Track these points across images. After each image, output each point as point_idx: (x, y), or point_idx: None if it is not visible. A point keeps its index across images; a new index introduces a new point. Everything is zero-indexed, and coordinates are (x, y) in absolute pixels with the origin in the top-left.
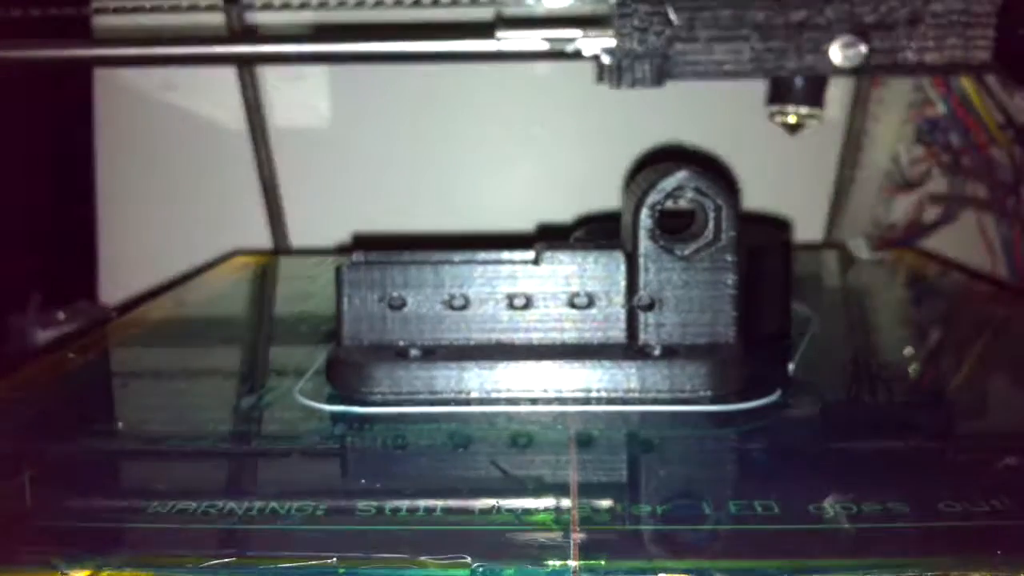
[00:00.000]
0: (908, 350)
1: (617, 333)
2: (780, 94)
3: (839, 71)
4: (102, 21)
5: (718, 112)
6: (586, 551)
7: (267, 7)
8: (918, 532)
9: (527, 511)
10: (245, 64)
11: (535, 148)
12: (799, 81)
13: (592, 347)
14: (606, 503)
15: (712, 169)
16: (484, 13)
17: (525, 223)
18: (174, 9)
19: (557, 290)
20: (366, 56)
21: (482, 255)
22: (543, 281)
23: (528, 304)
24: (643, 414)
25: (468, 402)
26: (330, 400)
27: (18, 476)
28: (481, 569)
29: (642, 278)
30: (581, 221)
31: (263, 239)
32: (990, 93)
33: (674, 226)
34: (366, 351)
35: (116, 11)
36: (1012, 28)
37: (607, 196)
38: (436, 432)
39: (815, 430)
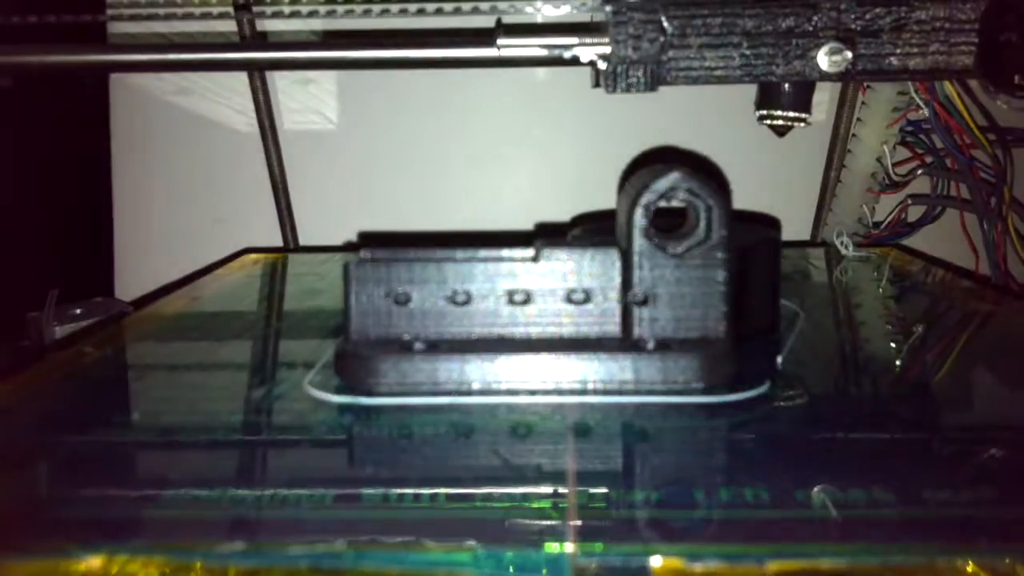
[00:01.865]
0: (893, 344)
1: (612, 328)
2: (769, 98)
3: (826, 76)
4: (117, 27)
5: (709, 116)
6: (583, 536)
7: (277, 15)
8: (904, 519)
9: (526, 497)
10: (256, 69)
11: (534, 150)
12: (787, 86)
13: (588, 341)
14: (602, 490)
15: (704, 170)
16: (485, 21)
17: (524, 222)
18: (187, 16)
19: (555, 286)
20: (372, 62)
21: (483, 253)
22: (542, 278)
23: (527, 300)
24: (637, 405)
25: (470, 393)
26: (338, 392)
27: (36, 466)
28: (482, 553)
29: (636, 275)
30: (578, 220)
31: (273, 237)
32: (973, 97)
33: (667, 225)
34: (373, 345)
35: (131, 18)
36: (994, 34)
37: (603, 196)
38: (439, 422)
39: (803, 420)
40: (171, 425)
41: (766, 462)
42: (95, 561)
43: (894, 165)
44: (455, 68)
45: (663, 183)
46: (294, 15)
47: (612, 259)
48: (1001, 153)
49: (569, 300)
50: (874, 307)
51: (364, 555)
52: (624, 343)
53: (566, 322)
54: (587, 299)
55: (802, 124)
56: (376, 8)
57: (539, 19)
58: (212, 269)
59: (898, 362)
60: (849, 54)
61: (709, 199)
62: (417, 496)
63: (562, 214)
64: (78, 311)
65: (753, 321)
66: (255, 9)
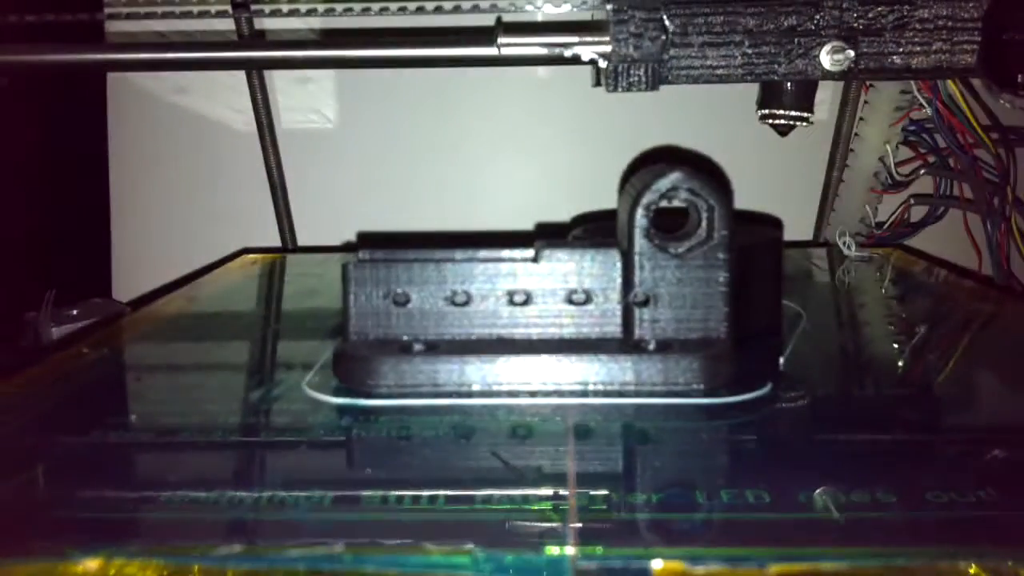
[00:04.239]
0: (896, 345)
1: (613, 328)
2: (771, 98)
3: (828, 75)
4: (115, 26)
5: (711, 115)
6: (584, 539)
7: (275, 13)
8: (906, 521)
9: (527, 500)
10: (254, 68)
11: (534, 149)
12: (789, 85)
13: (589, 342)
14: (603, 492)
15: (705, 170)
16: (486, 19)
17: (525, 222)
18: (185, 15)
19: (556, 287)
20: (371, 61)
21: (483, 253)
22: (542, 278)
23: (528, 300)
24: (638, 406)
25: (470, 395)
26: (337, 393)
27: (33, 468)
28: (482, 555)
29: (637, 275)
30: (579, 220)
31: (271, 237)
32: (975, 96)
33: (669, 225)
34: (371, 346)
35: (129, 17)
36: (996, 33)
37: (604, 196)
38: (439, 424)
39: (805, 422)
40: (169, 426)
41: (768, 464)
42: (92, 564)
43: (897, 165)
44: (455, 67)
45: (664, 183)
46: (292, 13)
47: (613, 259)
48: (1004, 153)
49: (569, 301)
50: (877, 308)
51: (363, 558)
52: (625, 344)
53: (566, 323)
54: (588, 300)
55: (804, 123)
56: (375, 6)
57: (539, 17)
58: (210, 269)
59: (901, 363)
60: (852, 53)
61: (711, 199)
62: (416, 498)
63: (562, 214)
64: (75, 312)
65: (755, 322)
66: (253, 7)
